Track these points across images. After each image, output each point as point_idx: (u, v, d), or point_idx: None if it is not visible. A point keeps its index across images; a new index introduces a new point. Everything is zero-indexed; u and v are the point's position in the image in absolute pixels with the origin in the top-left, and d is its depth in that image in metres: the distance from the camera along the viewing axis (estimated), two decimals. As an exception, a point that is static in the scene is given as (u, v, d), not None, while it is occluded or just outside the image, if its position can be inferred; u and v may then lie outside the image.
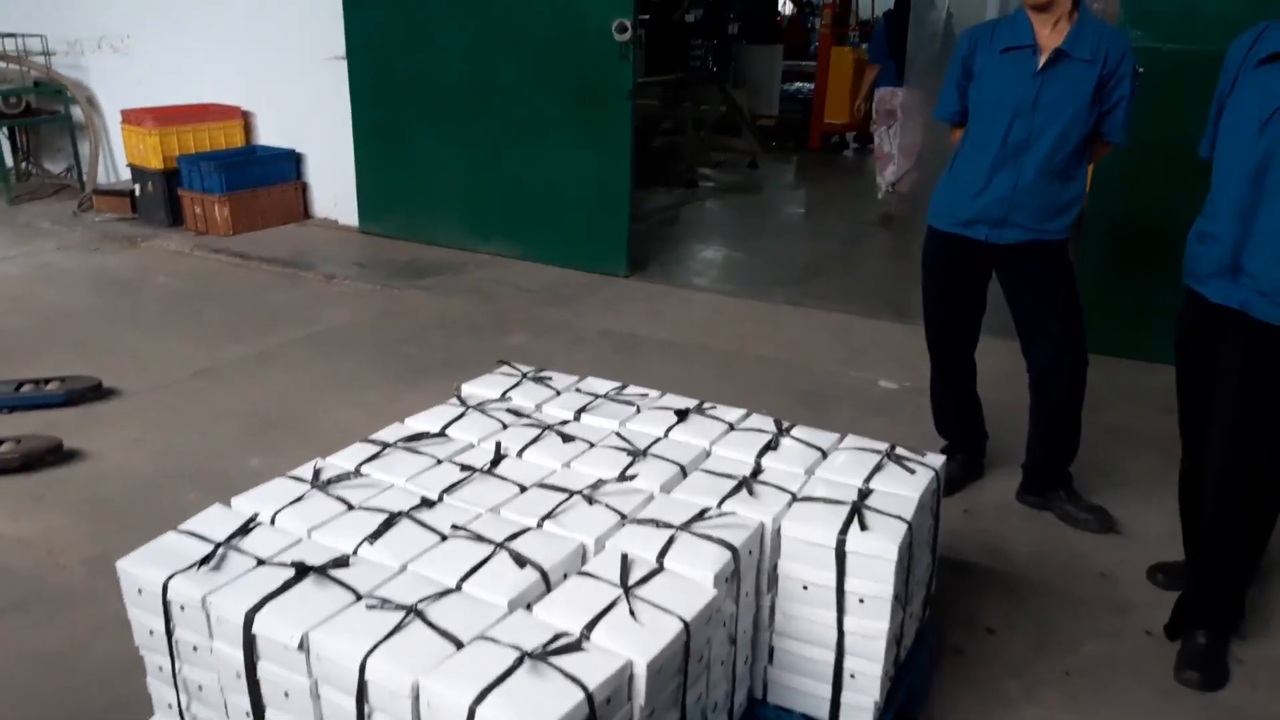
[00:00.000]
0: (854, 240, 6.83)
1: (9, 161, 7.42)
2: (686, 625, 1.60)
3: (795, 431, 2.32)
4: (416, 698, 1.47)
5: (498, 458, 2.17)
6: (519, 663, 1.47)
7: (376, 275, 5.64)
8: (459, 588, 1.69)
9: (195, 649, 1.75)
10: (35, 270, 5.68)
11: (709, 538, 1.82)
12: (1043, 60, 2.76)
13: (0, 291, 5.28)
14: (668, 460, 2.16)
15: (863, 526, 1.88)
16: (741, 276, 5.77)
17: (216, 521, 1.91)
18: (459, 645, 1.54)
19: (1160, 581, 2.77)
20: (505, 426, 2.34)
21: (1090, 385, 3.03)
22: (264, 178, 6.51)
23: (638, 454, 2.18)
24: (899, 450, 2.21)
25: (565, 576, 1.77)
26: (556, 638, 1.54)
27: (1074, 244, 3.14)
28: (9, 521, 3.03)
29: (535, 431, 2.29)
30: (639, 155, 5.47)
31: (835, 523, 1.90)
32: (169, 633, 1.77)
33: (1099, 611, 2.68)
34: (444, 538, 1.85)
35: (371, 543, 1.83)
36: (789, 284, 5.53)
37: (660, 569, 1.74)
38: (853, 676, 1.95)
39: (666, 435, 2.31)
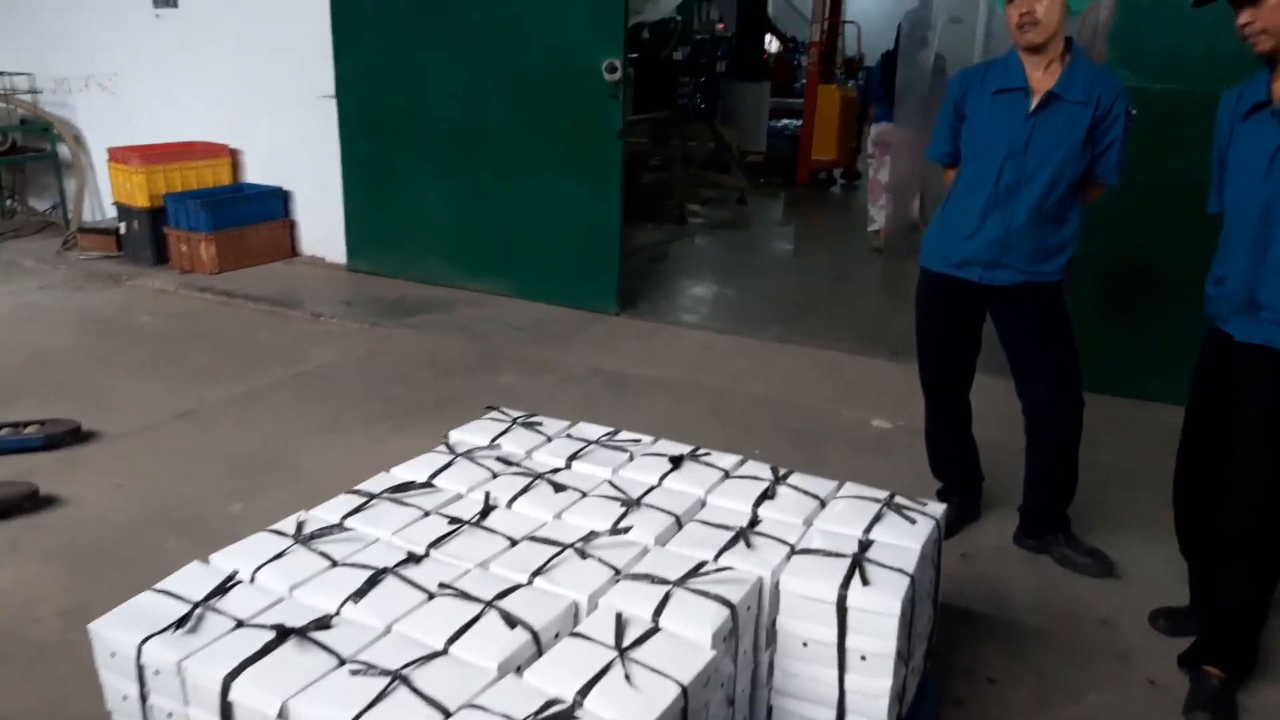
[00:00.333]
0: (844, 277, 6.82)
1: (-7, 199, 7.37)
2: (684, 689, 1.54)
3: (792, 479, 2.27)
4: (401, 772, 1.40)
5: (487, 509, 2.11)
6: (510, 734, 1.41)
7: (364, 313, 5.59)
8: (446, 650, 1.63)
9: (170, 716, 1.67)
10: (17, 309, 5.61)
11: (706, 594, 1.77)
12: (1035, 102, 2.75)
13: (-19, 331, 5.21)
14: (662, 510, 2.10)
15: (864, 581, 1.83)
16: (732, 313, 5.75)
17: (194, 579, 1.84)
18: (446, 715, 1.47)
19: (1163, 627, 2.72)
20: (494, 475, 2.28)
21: (1084, 425, 3.00)
22: (251, 215, 6.46)
23: (631, 504, 2.12)
24: (898, 499, 2.16)
25: (557, 637, 1.71)
26: (548, 705, 1.48)
27: (1068, 284, 3.12)
28: (-18, 572, 2.95)
29: (525, 480, 2.23)
30: (628, 192, 5.45)
31: (836, 577, 1.85)
32: (143, 698, 1.70)
33: (1101, 660, 2.62)
34: (431, 596, 1.79)
35: (355, 602, 1.76)
36: (780, 321, 5.50)
37: (656, 629, 1.68)
38: (854, 736, 1.89)
39: (660, 484, 2.25)
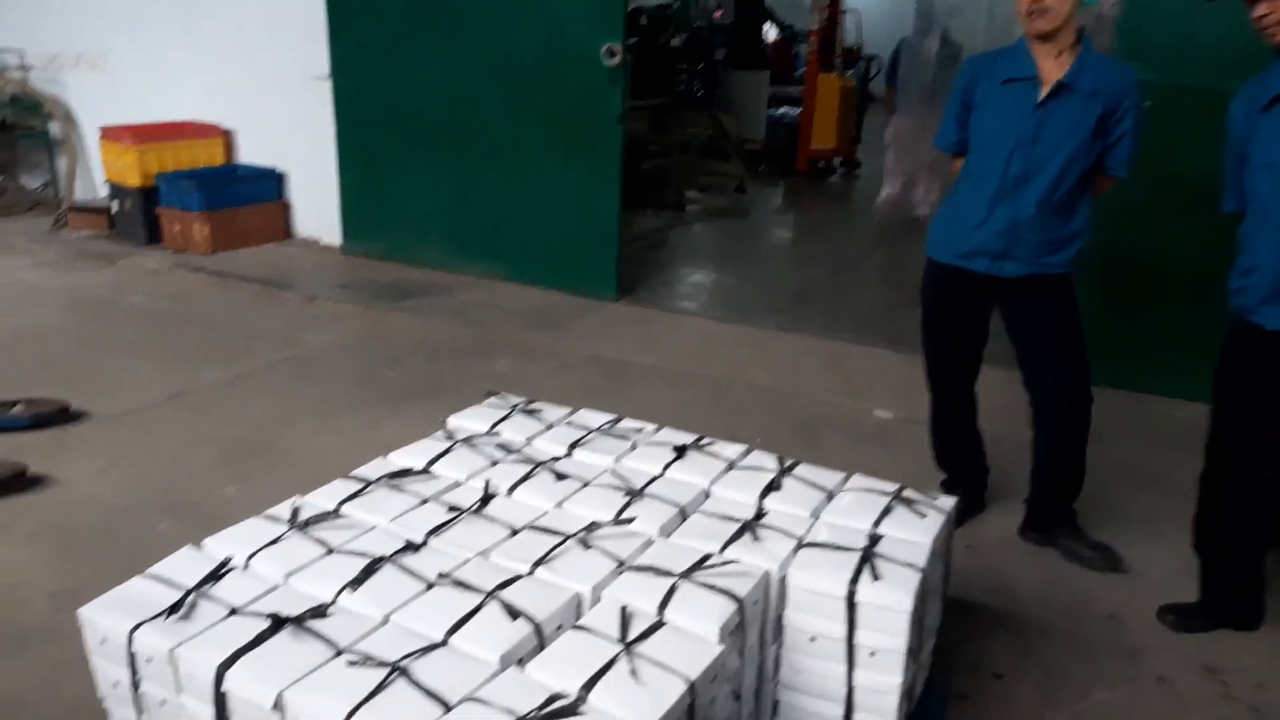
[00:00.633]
0: (844, 266, 6.77)
1: (-16, 176, 7.27)
2: (691, 685, 1.49)
3: (798, 470, 2.22)
4: (401, 767, 1.36)
5: (487, 497, 2.06)
6: (512, 729, 1.36)
7: (359, 296, 5.52)
8: (446, 642, 1.59)
9: (163, 703, 1.63)
10: (7, 288, 5.53)
11: (712, 587, 1.72)
12: (1044, 93, 2.70)
13: (-30, 310, 5.13)
14: (666, 501, 2.06)
15: (874, 576, 1.79)
16: (731, 301, 5.69)
17: (187, 565, 1.79)
18: (446, 707, 1.43)
19: (1171, 623, 2.69)
20: (494, 463, 2.23)
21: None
22: (245, 196, 6.37)
23: (634, 494, 2.07)
24: (908, 492, 2.12)
25: (559, 629, 1.67)
26: (552, 700, 1.43)
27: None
28: (-31, 554, 2.89)
29: (526, 468, 2.18)
30: (627, 178, 5.39)
31: (845, 572, 1.80)
32: (135, 685, 1.65)
33: (1108, 656, 2.58)
34: (430, 585, 1.74)
35: (352, 590, 1.72)
36: (780, 310, 5.45)
37: (661, 622, 1.64)
38: (862, 733, 1.85)
39: (664, 473, 2.21)
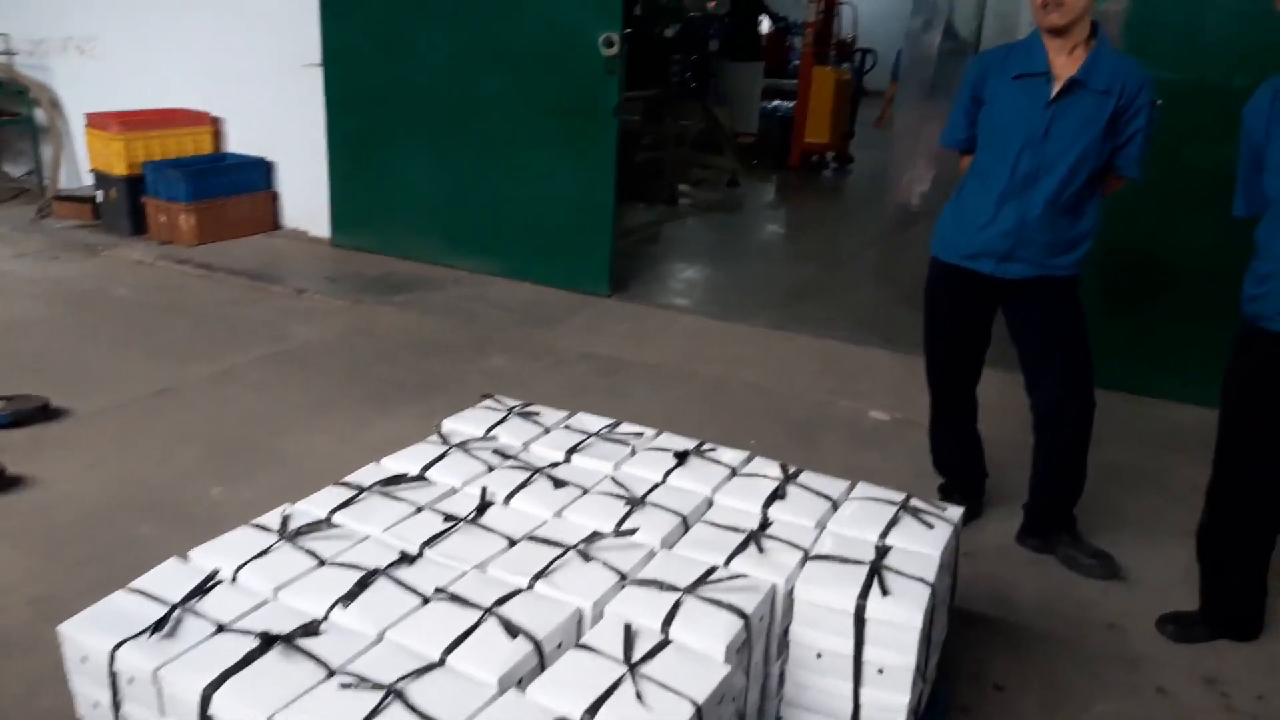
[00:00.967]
0: (837, 264, 6.72)
1: (-35, 163, 7.14)
2: (699, 709, 1.44)
3: (802, 478, 2.17)
4: (397, 798, 1.30)
5: (483, 505, 2.00)
6: (514, 758, 1.31)
7: (348, 290, 5.44)
8: (443, 661, 1.53)
9: (145, 726, 1.56)
10: (-11, 279, 5.43)
11: (718, 603, 1.67)
12: (1056, 89, 2.65)
13: (-50, 301, 5.03)
14: (668, 510, 2.00)
15: (884, 591, 1.74)
16: (726, 298, 5.63)
17: (172, 578, 1.73)
18: (444, 733, 1.37)
19: (1171, 633, 2.66)
20: (491, 469, 2.18)
21: (1088, 422, 2.92)
22: (232, 186, 6.27)
23: (635, 502, 2.02)
24: (914, 502, 2.07)
25: (560, 647, 1.61)
26: (554, 725, 1.38)
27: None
28: (-54, 556, 2.81)
29: (524, 475, 2.13)
30: (619, 171, 5.31)
31: (853, 586, 1.75)
32: (116, 706, 1.59)
33: (1109, 666, 2.55)
34: (425, 600, 1.69)
35: (345, 605, 1.66)
36: (774, 307, 5.39)
37: (666, 641, 1.58)
38: (868, 752, 1.80)
39: (664, 481, 2.15)
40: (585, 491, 2.08)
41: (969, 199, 2.85)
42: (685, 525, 1.98)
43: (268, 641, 1.53)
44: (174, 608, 1.62)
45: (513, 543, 1.88)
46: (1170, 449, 3.81)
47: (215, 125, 6.55)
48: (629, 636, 1.56)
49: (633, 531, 1.89)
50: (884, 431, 3.92)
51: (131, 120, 6.15)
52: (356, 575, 1.72)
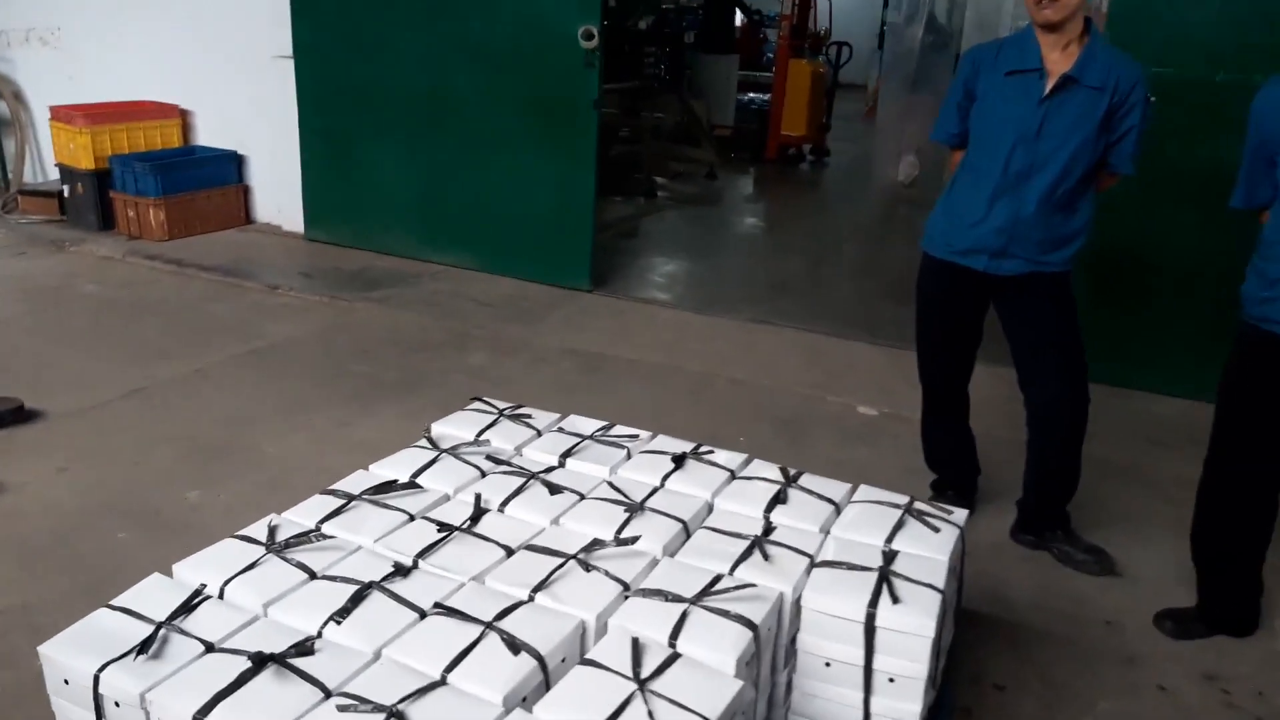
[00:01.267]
0: (818, 257, 6.69)
1: (-76, 157, 6.94)
2: (712, 726, 1.39)
3: (803, 480, 2.13)
4: (403, 829, 1.24)
5: (478, 513, 1.94)
6: (525, 784, 1.26)
7: (324, 286, 5.34)
8: (444, 680, 1.47)
9: (131, 751, 1.49)
10: (-50, 276, 5.27)
11: (725, 614, 1.62)
12: (1049, 86, 2.62)
13: (-90, 300, 4.88)
14: (668, 516, 1.95)
15: (894, 599, 1.70)
16: (707, 292, 5.58)
17: (155, 595, 1.66)
18: (450, 758, 1.31)
19: (1169, 630, 2.65)
20: (483, 474, 2.12)
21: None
22: (203, 180, 6.14)
23: (634, 508, 1.97)
24: (918, 504, 2.03)
25: (564, 662, 1.56)
26: (564, 746, 1.33)
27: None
28: (-88, 567, 2.71)
29: (518, 481, 2.07)
30: (597, 164, 5.25)
31: (863, 594, 1.71)
32: (99, 730, 1.51)
33: (1108, 664, 2.53)
34: (423, 615, 1.62)
35: (339, 622, 1.59)
36: (756, 301, 5.35)
37: (676, 655, 1.53)
38: (878, 761, 1.76)
39: (663, 485, 2.10)
40: (582, 497, 2.03)
41: (961, 195, 2.82)
42: (686, 531, 1.93)
43: (260, 662, 1.46)
44: (159, 626, 1.55)
45: (510, 552, 1.82)
46: (1156, 443, 3.81)
47: (184, 118, 6.42)
48: (637, 651, 1.51)
49: (634, 540, 1.84)
50: (872, 427, 3.90)
51: (97, 113, 6.00)
52: (350, 589, 1.66)
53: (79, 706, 1.51)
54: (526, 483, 2.05)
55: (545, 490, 2.03)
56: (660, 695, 1.43)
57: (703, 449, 2.25)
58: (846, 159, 10.46)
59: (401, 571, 1.73)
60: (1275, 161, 2.28)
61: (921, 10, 4.63)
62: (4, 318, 4.69)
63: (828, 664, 1.73)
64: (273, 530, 1.85)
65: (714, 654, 1.54)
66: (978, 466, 3.19)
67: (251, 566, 1.73)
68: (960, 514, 2.02)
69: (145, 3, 6.26)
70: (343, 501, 1.96)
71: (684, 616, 1.61)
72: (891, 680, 1.70)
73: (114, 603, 1.63)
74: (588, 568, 1.75)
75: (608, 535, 1.88)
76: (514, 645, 1.52)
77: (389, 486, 2.03)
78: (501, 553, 1.81)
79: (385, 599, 1.65)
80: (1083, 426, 2.86)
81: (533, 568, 1.75)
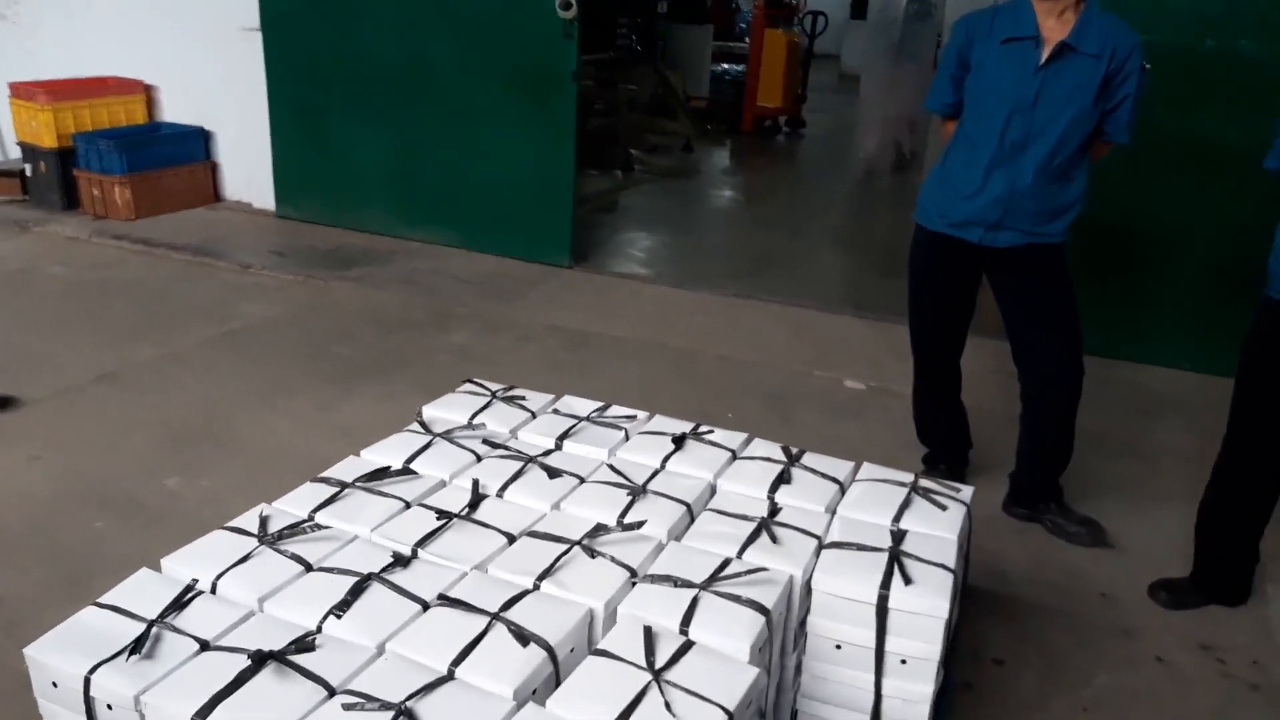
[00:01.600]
0: (799, 230, 6.64)
1: (-123, 136, 6.70)
2: (731, 716, 1.36)
3: (805, 459, 2.10)
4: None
5: (476, 499, 1.89)
6: (544, 783, 1.21)
7: (298, 264, 5.22)
8: (452, 675, 1.42)
9: (125, 754, 1.43)
10: (-91, 259, 5.11)
11: (737, 599, 1.59)
12: (1046, 54, 2.57)
13: None
14: (671, 498, 1.91)
15: (906, 580, 1.67)
16: (690, 267, 5.52)
17: (145, 591, 1.59)
18: (463, 756, 1.27)
19: (1164, 600, 2.65)
20: (479, 458, 2.06)
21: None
22: (169, 157, 5.98)
23: (637, 491, 1.92)
24: (924, 482, 2.00)
25: (573, 652, 1.51)
26: (581, 741, 1.28)
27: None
28: (-119, 561, 2.62)
29: (515, 465, 2.01)
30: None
31: (874, 575, 1.68)
32: (91, 734, 1.45)
33: (1105, 636, 2.53)
34: (425, 606, 1.57)
35: (339, 616, 1.54)
36: (740, 276, 5.30)
37: (689, 643, 1.49)
38: (889, 743, 1.74)
39: (664, 467, 2.06)
40: (582, 481, 1.98)
41: (955, 167, 2.78)
42: (690, 514, 1.89)
43: (259, 660, 1.41)
44: (151, 624, 1.49)
45: (511, 539, 1.77)
46: (1143, 413, 3.82)
47: (148, 93, 6.23)
48: (650, 640, 1.47)
49: (640, 524, 1.79)
50: (861, 401, 3.87)
51: (59, 89, 5.81)
52: (348, 581, 1.60)
53: (69, 710, 1.45)
54: (524, 467, 2.00)
55: (544, 474, 1.98)
56: (676, 685, 1.39)
57: (702, 429, 2.21)
58: (823, 130, 10.41)
59: (401, 562, 1.67)
60: None
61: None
62: (-33, 302, 4.55)
63: (838, 646, 1.70)
64: (264, 521, 1.79)
65: (728, 641, 1.50)
66: (970, 440, 3.17)
67: (244, 560, 1.67)
68: (967, 491, 2.00)
69: (106, -27, 6.07)
70: (335, 489, 1.90)
71: (694, 602, 1.58)
72: (904, 662, 1.67)
73: (102, 600, 1.56)
74: (592, 554, 1.71)
75: (611, 520, 1.83)
76: (523, 636, 1.48)
77: (382, 473, 1.97)
78: (503, 540, 1.76)
79: (386, 591, 1.59)
80: (1077, 399, 2.84)
81: (536, 555, 1.70)
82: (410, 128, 5.47)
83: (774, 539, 1.77)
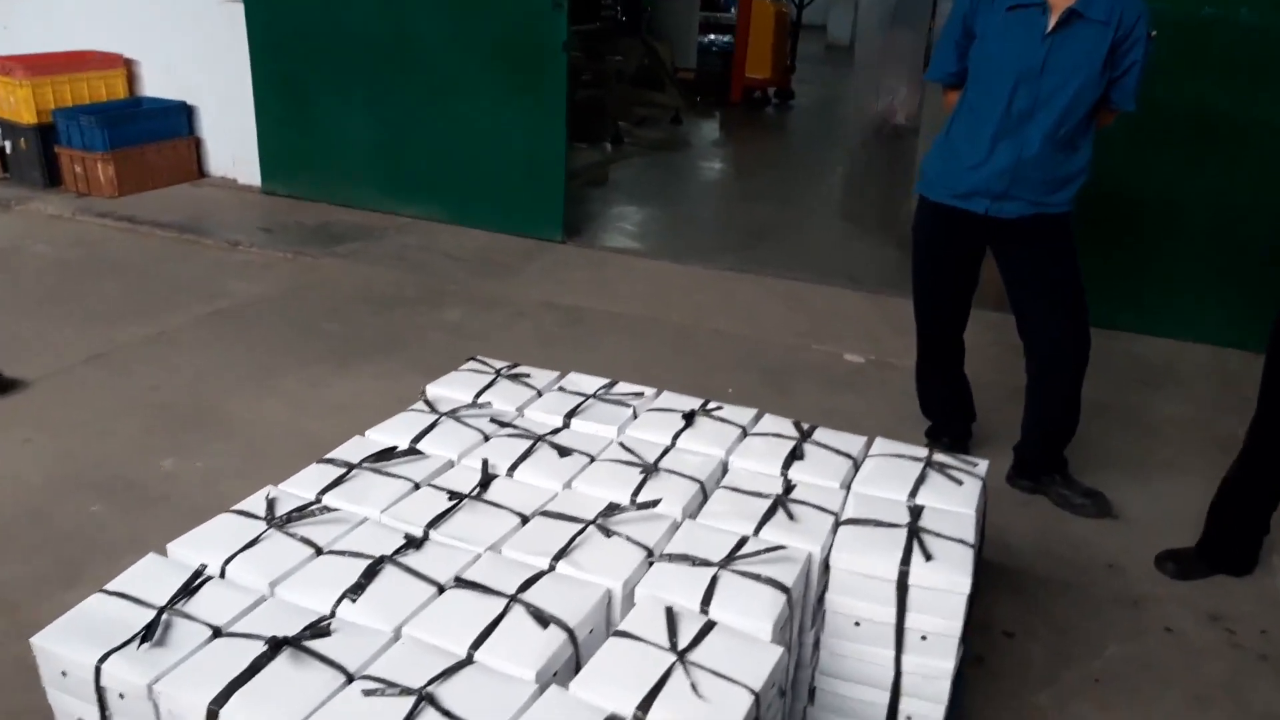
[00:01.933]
0: (792, 202, 6.60)
1: None
2: (756, 696, 1.34)
3: (818, 435, 2.07)
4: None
5: (486, 479, 1.86)
6: (574, 769, 1.19)
7: (286, 241, 5.15)
8: (471, 659, 1.39)
9: (139, 743, 1.40)
10: (-111, 239, 5.00)
11: (756, 577, 1.56)
12: (1053, 21, 2.53)
13: None
14: (684, 476, 1.88)
15: (926, 556, 1.65)
16: (683, 241, 5.48)
17: (153, 576, 1.56)
18: (488, 741, 1.24)
19: (1170, 570, 2.65)
20: (487, 438, 2.03)
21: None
22: (152, 133, 5.87)
23: (649, 469, 1.89)
24: (939, 457, 1.98)
25: (591, 633, 1.49)
26: (607, 724, 1.26)
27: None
28: (-127, 548, 2.57)
29: (524, 444, 1.98)
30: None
31: (894, 552, 1.66)
32: (102, 723, 1.42)
33: (1114, 607, 2.53)
34: (441, 589, 1.54)
35: (353, 600, 1.51)
36: (733, 249, 5.27)
37: (711, 623, 1.47)
38: (909, 719, 1.73)
39: (674, 444, 2.03)
40: (592, 459, 1.95)
41: (959, 137, 2.74)
42: (704, 492, 1.87)
43: (275, 646, 1.37)
44: (161, 611, 1.45)
45: (524, 519, 1.74)
46: (1143, 383, 3.82)
47: (128, 68, 6.11)
48: (672, 620, 1.45)
49: (655, 503, 1.76)
50: (859, 375, 3.85)
51: (37, 64, 5.68)
52: (361, 564, 1.57)
53: (79, 699, 1.42)
54: (533, 445, 1.97)
55: (554, 453, 1.95)
56: (700, 666, 1.37)
57: (711, 405, 2.18)
58: (812, 101, 10.35)
59: (413, 543, 1.64)
60: None
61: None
62: (-50, 282, 4.46)
63: (857, 623, 1.69)
64: (271, 503, 1.75)
65: (749, 620, 1.48)
66: (973, 413, 3.16)
67: (253, 543, 1.63)
68: (982, 465, 1.98)
69: (82, -56, 5.93)
70: (342, 470, 1.86)
71: (714, 582, 1.55)
72: (924, 638, 1.66)
73: (109, 587, 1.52)
74: (608, 533, 1.68)
75: (623, 498, 1.81)
76: (542, 618, 1.45)
77: (389, 454, 1.93)
78: (516, 520, 1.73)
79: (399, 573, 1.56)
80: (1083, 370, 2.83)
81: (550, 535, 1.67)
82: (398, 100, 5.38)
83: (790, 516, 1.75)
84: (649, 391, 2.26)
